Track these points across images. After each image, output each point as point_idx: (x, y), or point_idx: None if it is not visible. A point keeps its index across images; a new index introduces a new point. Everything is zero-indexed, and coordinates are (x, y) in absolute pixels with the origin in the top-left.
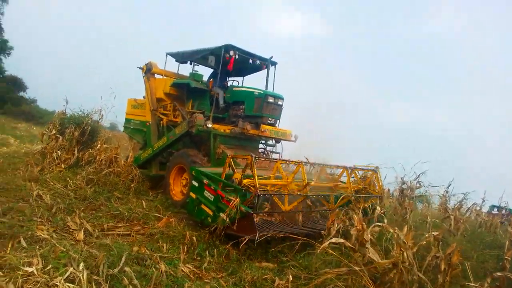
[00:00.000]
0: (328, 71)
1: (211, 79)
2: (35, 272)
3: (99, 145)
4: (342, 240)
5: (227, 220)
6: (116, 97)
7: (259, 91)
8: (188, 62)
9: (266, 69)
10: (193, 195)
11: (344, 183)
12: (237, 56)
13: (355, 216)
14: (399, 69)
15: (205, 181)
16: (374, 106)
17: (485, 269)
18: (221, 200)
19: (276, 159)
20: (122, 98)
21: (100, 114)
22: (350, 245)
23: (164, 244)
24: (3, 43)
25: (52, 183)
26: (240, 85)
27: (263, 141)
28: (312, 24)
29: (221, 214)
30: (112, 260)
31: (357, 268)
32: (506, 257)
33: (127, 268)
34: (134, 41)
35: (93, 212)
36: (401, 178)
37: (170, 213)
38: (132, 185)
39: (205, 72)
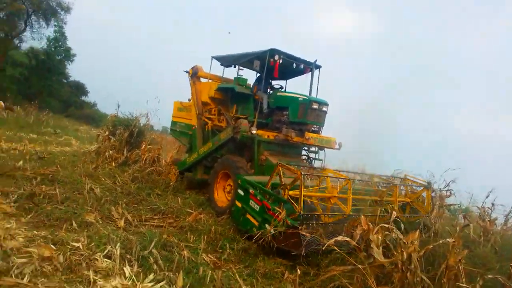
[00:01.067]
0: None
1: (256, 84)
2: (81, 247)
3: (143, 146)
4: (347, 239)
5: (273, 232)
6: (162, 101)
7: (304, 97)
8: (233, 66)
9: (311, 73)
10: (238, 204)
11: (390, 195)
12: (281, 61)
13: (362, 216)
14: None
15: (251, 190)
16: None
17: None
18: (266, 211)
19: (323, 169)
20: (168, 101)
21: (146, 117)
22: (355, 243)
23: (191, 236)
24: (67, 51)
25: (103, 179)
26: (283, 89)
27: (306, 148)
28: (365, 22)
29: (267, 226)
30: (144, 244)
31: (360, 266)
32: None
33: (154, 251)
34: (180, 44)
35: (135, 205)
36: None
37: (201, 209)
38: (171, 183)
39: (250, 76)
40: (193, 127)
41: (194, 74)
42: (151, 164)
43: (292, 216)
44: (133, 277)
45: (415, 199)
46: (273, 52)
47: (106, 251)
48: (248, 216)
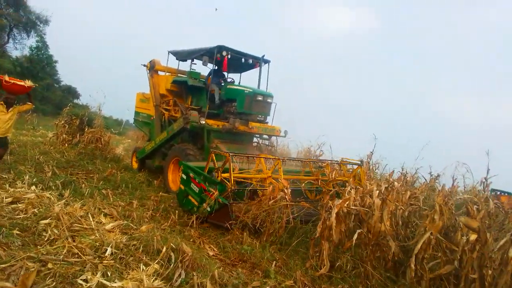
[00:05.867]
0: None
1: (209, 76)
2: (8, 179)
3: (86, 129)
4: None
5: (208, 209)
6: (125, 91)
7: (249, 90)
8: (187, 60)
9: (259, 68)
10: (182, 186)
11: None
12: (229, 56)
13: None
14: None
15: (191, 174)
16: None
17: None
18: (204, 192)
19: (258, 155)
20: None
21: (98, 108)
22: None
23: (98, 181)
24: (49, 58)
25: (53, 154)
26: (234, 83)
27: (257, 136)
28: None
29: (204, 205)
30: (55, 180)
31: None
32: None
33: (58, 182)
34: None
35: (70, 169)
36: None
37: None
38: (108, 156)
39: (205, 69)
40: (152, 118)
41: (152, 68)
42: (94, 142)
43: (224, 195)
44: (35, 189)
45: (351, 177)
46: (220, 48)
47: (24, 180)
48: (190, 198)
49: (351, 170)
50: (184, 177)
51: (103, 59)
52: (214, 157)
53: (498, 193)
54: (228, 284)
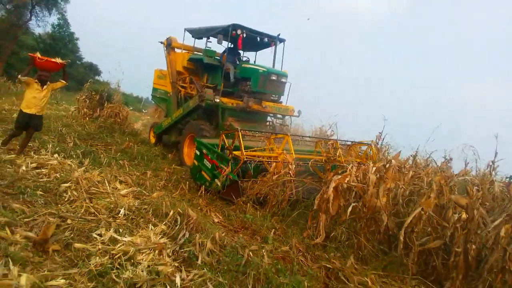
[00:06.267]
0: None
1: (224, 54)
2: (34, 147)
3: (106, 104)
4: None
5: (219, 185)
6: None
7: (264, 69)
8: (203, 38)
9: (274, 47)
10: (195, 162)
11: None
12: (244, 35)
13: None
14: None
15: (204, 151)
16: None
17: None
18: (216, 169)
19: (269, 132)
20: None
21: (117, 84)
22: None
23: (116, 152)
24: (71, 35)
25: (75, 127)
26: (250, 61)
27: (271, 115)
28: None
29: (216, 181)
30: (75, 149)
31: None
32: None
33: (79, 152)
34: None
35: (90, 140)
36: None
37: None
38: (126, 130)
39: (220, 47)
40: (168, 95)
41: (169, 45)
42: (113, 117)
43: (234, 172)
44: (58, 157)
45: (363, 158)
46: (235, 26)
47: (48, 149)
48: (203, 173)
49: (361, 152)
50: (198, 153)
51: (123, 39)
52: (224, 137)
53: None
54: (227, 245)
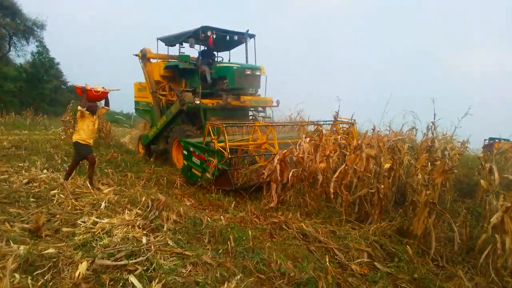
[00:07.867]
0: None
1: (199, 58)
2: (24, 167)
3: None
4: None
5: (211, 177)
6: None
7: (238, 65)
8: (175, 44)
9: (245, 43)
10: (185, 162)
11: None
12: (214, 36)
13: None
14: None
15: (191, 149)
16: None
17: None
18: (204, 162)
19: (252, 123)
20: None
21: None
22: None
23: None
24: (52, 61)
25: (63, 146)
26: (223, 61)
27: (252, 109)
28: None
29: (207, 174)
30: (63, 163)
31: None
32: None
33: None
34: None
35: None
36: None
37: (124, 152)
38: (111, 143)
39: (195, 52)
40: (150, 105)
41: (144, 56)
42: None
43: (222, 162)
44: (47, 172)
45: (345, 135)
46: (204, 28)
47: (37, 166)
48: (193, 171)
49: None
50: (186, 153)
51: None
52: (211, 130)
53: (497, 140)
54: (192, 217)
